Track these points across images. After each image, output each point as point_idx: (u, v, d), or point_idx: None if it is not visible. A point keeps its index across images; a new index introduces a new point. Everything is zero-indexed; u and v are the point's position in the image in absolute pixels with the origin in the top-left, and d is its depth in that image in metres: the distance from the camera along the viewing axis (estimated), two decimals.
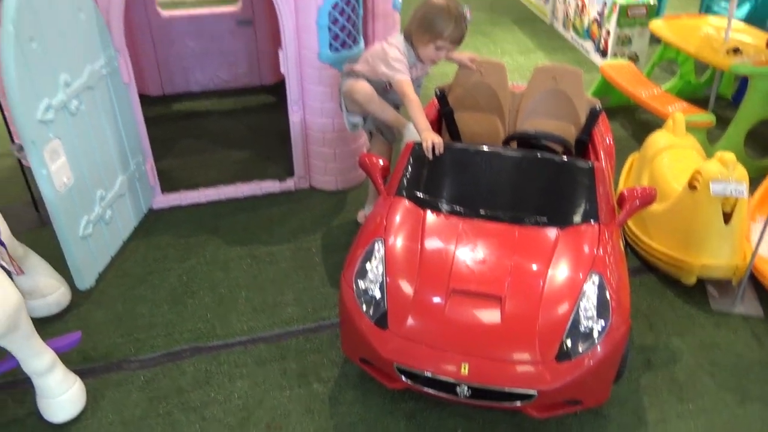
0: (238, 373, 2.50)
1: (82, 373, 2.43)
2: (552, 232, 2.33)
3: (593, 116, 2.98)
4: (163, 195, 3.44)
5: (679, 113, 3.31)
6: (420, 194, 2.50)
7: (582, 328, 2.08)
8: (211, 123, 4.35)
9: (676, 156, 3.18)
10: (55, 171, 2.53)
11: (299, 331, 2.69)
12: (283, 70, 3.27)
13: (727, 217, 2.77)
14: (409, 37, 2.82)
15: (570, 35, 5.76)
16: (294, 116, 3.40)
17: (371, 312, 2.19)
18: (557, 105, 2.99)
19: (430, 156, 2.55)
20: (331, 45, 3.17)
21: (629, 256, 3.11)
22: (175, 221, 3.34)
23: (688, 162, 3.08)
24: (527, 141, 2.76)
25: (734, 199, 2.75)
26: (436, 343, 2.09)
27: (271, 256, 3.12)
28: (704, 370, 2.53)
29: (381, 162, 2.65)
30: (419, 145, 2.58)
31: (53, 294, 2.66)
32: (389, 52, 2.77)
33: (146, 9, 4.37)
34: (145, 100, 4.55)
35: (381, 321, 2.16)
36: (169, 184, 3.54)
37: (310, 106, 3.37)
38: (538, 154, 2.52)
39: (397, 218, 2.40)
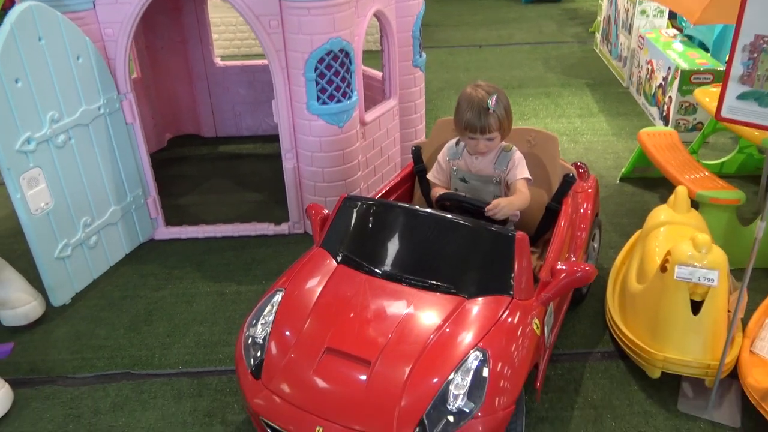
0: (153, 403, 2.58)
1: (24, 383, 2.67)
2: (454, 301, 2.19)
3: (566, 184, 2.79)
4: (166, 228, 3.68)
5: (682, 187, 2.98)
6: (340, 248, 2.46)
7: (448, 408, 1.92)
8: (244, 165, 4.59)
9: (671, 233, 2.85)
10: (31, 196, 2.82)
11: (225, 371, 2.72)
12: (276, 119, 3.41)
13: (697, 307, 2.44)
14: None
15: (641, 101, 5.41)
16: (287, 164, 3.52)
17: (251, 361, 2.18)
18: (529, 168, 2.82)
19: None
20: (318, 98, 3.27)
21: (604, 340, 2.83)
22: (167, 253, 3.54)
23: (681, 240, 2.75)
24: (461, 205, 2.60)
25: (706, 288, 2.42)
26: (298, 402, 2.02)
27: (237, 295, 3.20)
28: None
29: (324, 212, 2.65)
30: (349, 198, 2.55)
31: (23, 307, 2.92)
32: None
33: (204, 59, 4.77)
34: (198, 140, 5.02)
35: (257, 371, 2.14)
36: (181, 218, 3.80)
37: (302, 155, 3.47)
38: (458, 219, 2.38)
39: (309, 270, 2.39)
